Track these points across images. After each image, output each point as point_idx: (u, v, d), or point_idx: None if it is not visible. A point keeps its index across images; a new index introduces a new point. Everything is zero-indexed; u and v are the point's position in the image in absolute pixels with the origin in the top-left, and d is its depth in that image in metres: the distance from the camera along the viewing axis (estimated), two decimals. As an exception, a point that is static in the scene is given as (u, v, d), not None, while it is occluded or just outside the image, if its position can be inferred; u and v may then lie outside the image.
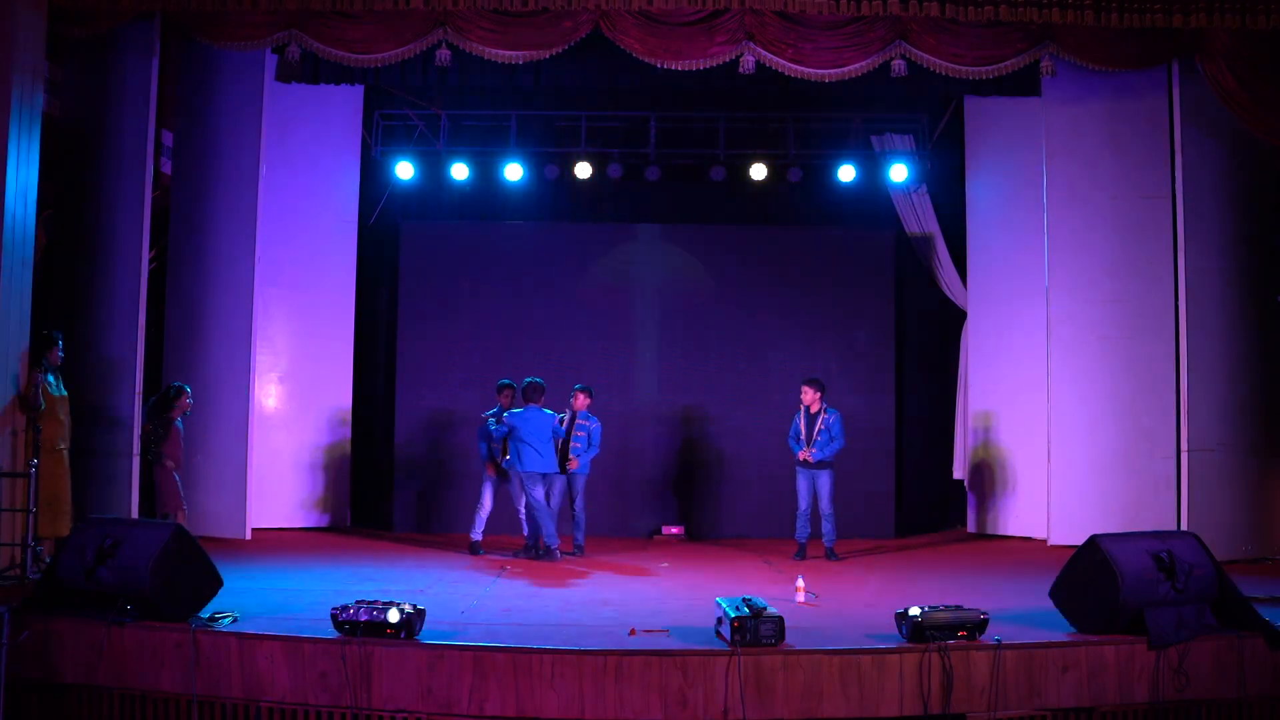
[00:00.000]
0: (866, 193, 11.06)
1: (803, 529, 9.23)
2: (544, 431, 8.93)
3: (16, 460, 7.69)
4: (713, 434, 10.79)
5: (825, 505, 9.15)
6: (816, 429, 9.11)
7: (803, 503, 9.21)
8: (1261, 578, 7.65)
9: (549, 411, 9.05)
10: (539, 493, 8.92)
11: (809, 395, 9.18)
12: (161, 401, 8.64)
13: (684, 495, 10.74)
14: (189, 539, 6.23)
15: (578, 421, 9.38)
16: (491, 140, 11.07)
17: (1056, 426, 9.65)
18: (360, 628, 5.62)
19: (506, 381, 9.51)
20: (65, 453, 7.92)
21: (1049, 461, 9.71)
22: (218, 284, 9.62)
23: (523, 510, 9.19)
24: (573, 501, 9.38)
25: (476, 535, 9.34)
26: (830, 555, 9.12)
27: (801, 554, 9.14)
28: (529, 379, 9.13)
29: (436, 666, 5.53)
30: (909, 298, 11.12)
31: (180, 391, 8.65)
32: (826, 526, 9.17)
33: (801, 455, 9.13)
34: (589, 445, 9.37)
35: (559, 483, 9.19)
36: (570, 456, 9.26)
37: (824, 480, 9.14)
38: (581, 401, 9.40)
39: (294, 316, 10.46)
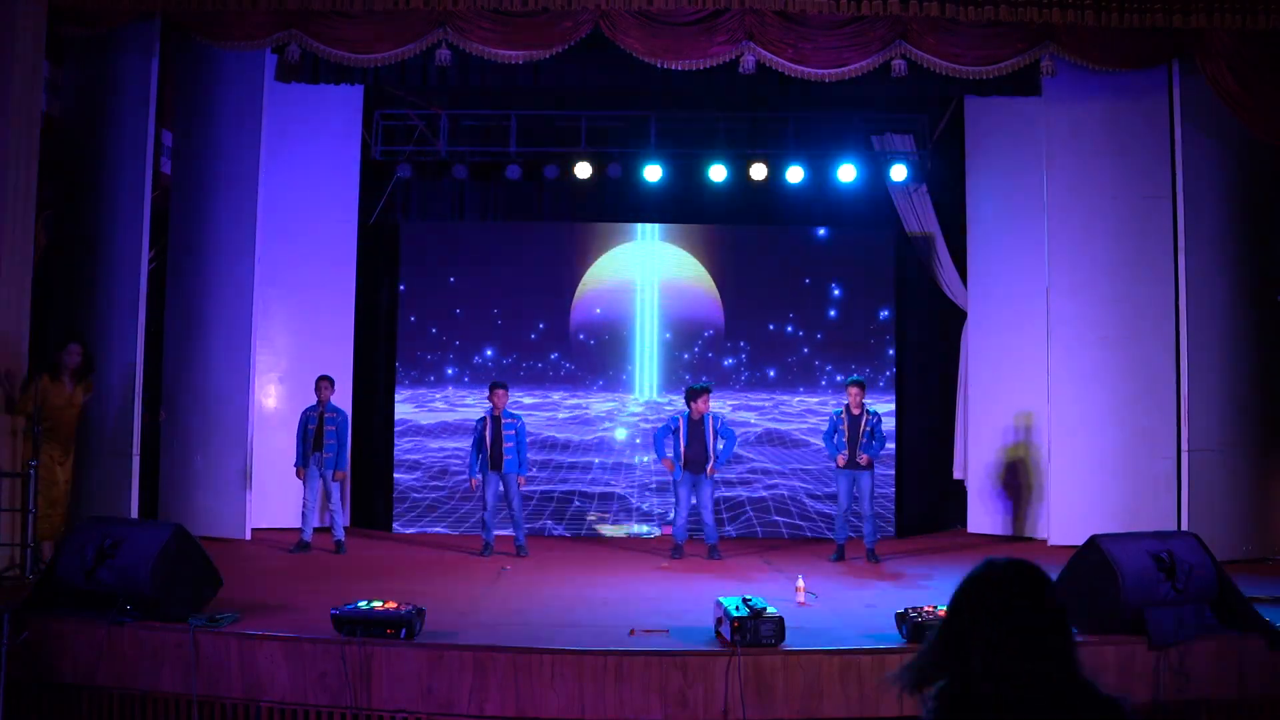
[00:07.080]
0: (866, 192, 11.04)
1: (842, 530, 9.11)
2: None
3: (16, 460, 7.70)
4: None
5: (865, 506, 9.03)
6: (861, 430, 9.01)
7: (843, 503, 9.08)
8: (1261, 578, 7.66)
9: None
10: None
11: (855, 396, 9.08)
12: None
13: (684, 495, 10.71)
14: (189, 539, 6.23)
15: (504, 420, 9.21)
16: (491, 140, 11.06)
17: (1056, 426, 9.64)
18: (360, 628, 5.63)
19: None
20: (67, 454, 7.94)
21: (1049, 461, 9.71)
22: (218, 284, 9.61)
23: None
24: (510, 502, 9.25)
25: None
26: (871, 557, 8.93)
27: (840, 555, 9.03)
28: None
29: (436, 666, 5.53)
30: (909, 298, 11.10)
31: None
32: (867, 527, 9.04)
33: (840, 461, 8.99)
34: (518, 442, 9.19)
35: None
36: (504, 455, 9.12)
37: (865, 481, 9.03)
38: (503, 399, 9.25)
39: (294, 316, 10.44)
